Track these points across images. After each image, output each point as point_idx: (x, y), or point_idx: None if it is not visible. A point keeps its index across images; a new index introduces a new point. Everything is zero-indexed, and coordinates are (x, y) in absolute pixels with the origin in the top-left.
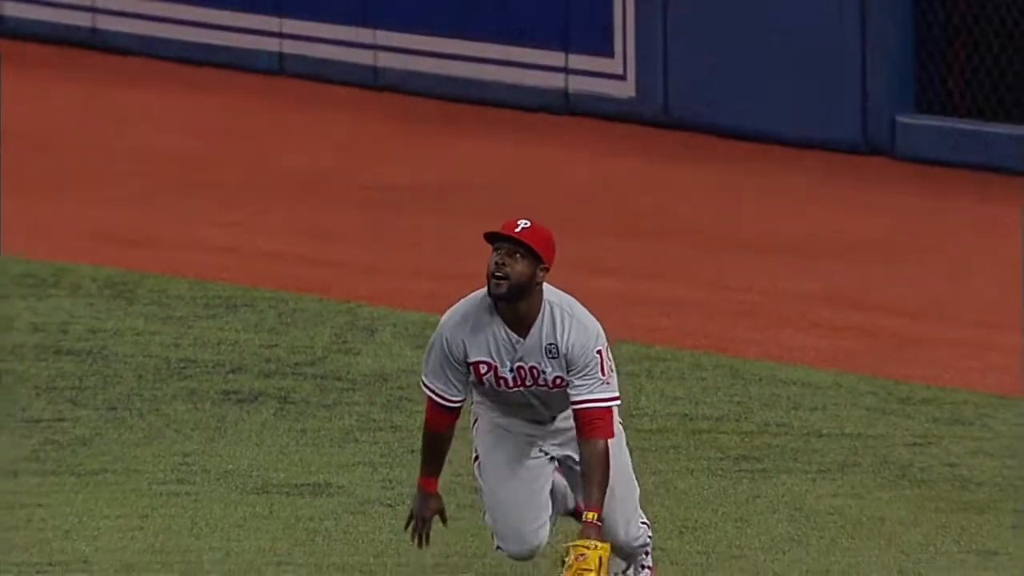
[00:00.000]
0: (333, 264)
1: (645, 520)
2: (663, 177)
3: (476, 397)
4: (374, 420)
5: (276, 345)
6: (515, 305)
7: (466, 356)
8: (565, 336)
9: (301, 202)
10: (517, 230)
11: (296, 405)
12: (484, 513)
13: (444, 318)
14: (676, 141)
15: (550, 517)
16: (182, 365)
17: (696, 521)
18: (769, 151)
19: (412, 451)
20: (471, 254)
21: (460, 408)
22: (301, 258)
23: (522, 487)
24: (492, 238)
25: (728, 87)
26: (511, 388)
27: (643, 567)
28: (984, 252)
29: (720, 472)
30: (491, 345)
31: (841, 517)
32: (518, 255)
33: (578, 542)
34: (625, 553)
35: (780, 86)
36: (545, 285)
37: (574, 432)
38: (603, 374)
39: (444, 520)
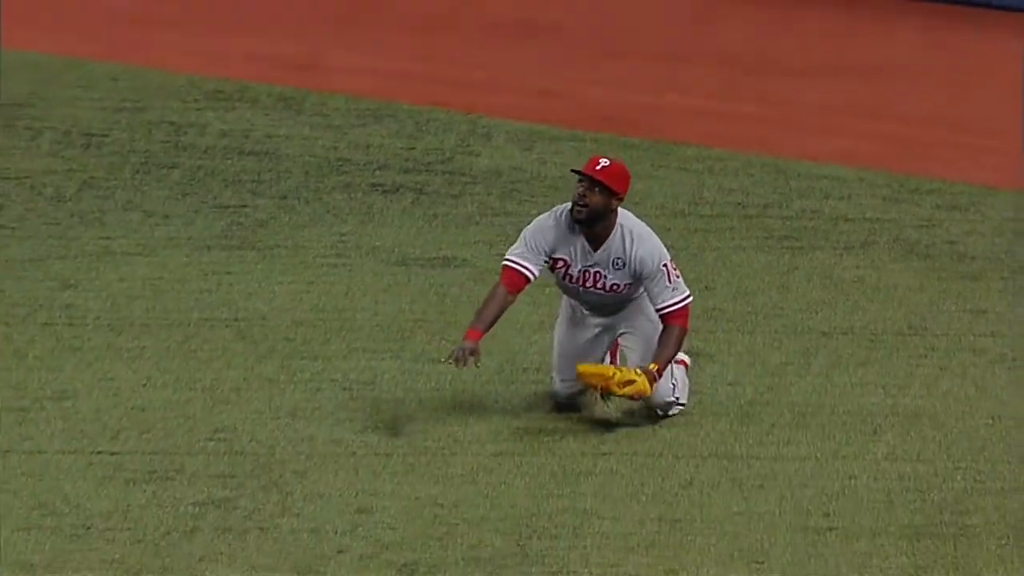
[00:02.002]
0: (458, 83)
1: (679, 397)
2: (722, 12)
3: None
4: (491, 208)
5: (413, 148)
6: (592, 225)
7: (552, 251)
8: (632, 252)
9: (433, 34)
10: (597, 168)
11: (429, 195)
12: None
13: (538, 220)
14: None
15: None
16: (339, 163)
17: (747, 287)
18: None
19: (520, 230)
20: (568, 77)
21: (526, 279)
22: (433, 78)
23: (574, 336)
24: (577, 174)
25: None
26: (574, 284)
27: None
28: (985, 75)
29: (766, 248)
30: (572, 249)
31: (862, 284)
32: (596, 189)
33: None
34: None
35: None
36: (621, 210)
37: (630, 321)
38: (670, 282)
39: (477, 364)
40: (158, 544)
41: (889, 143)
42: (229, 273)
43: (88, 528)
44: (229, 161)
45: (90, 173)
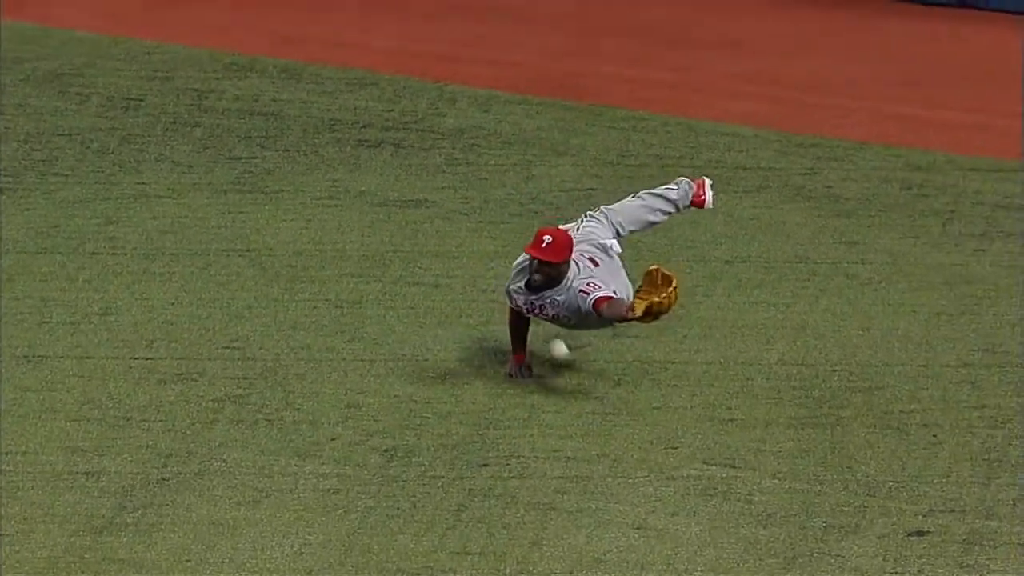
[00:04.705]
0: (428, 56)
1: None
2: None
3: None
4: (455, 159)
5: (392, 110)
6: (550, 287)
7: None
8: (570, 295)
9: (405, 15)
10: (543, 247)
11: (405, 149)
12: None
13: (513, 281)
14: None
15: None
16: (331, 122)
17: (664, 224)
18: None
19: (481, 178)
20: (518, 50)
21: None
22: (408, 52)
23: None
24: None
25: None
26: (553, 319)
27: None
28: (856, 46)
29: None
30: (547, 302)
31: (758, 221)
32: (546, 266)
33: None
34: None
35: None
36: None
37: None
38: (588, 294)
39: (530, 374)
40: (184, 432)
41: (780, 106)
42: (242, 212)
43: (127, 419)
44: (242, 121)
45: (128, 130)
